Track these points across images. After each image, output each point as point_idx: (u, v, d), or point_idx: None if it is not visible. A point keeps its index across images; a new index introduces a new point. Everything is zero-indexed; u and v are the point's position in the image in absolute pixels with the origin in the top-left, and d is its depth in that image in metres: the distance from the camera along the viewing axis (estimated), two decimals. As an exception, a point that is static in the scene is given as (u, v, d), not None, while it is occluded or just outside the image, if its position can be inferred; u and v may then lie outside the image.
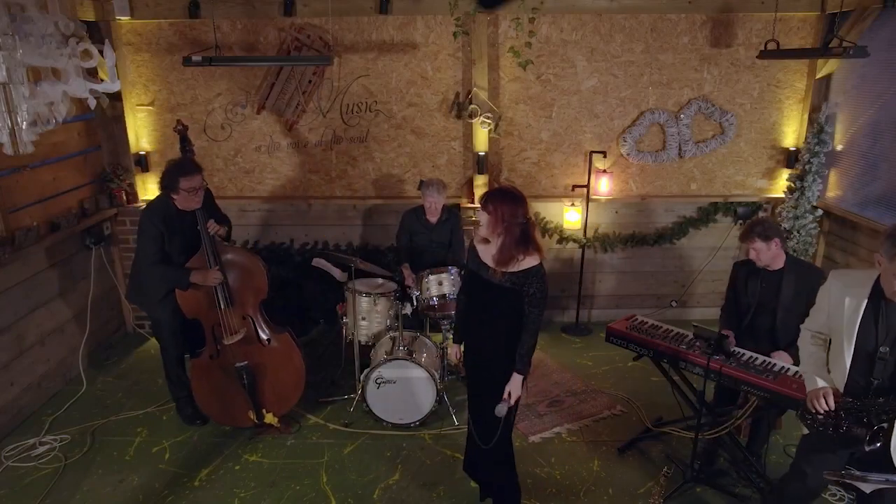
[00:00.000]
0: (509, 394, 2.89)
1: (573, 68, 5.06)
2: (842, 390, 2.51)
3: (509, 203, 2.79)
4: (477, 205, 5.24)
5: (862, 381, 2.46)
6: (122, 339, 5.43)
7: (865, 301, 2.41)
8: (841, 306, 2.48)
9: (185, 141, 3.84)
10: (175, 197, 3.71)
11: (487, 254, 2.90)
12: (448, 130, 5.22)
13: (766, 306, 3.49)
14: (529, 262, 2.81)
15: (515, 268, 2.80)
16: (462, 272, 4.38)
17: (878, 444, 2.39)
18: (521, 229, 2.80)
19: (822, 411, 2.48)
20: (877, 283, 2.41)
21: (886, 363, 2.40)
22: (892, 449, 2.43)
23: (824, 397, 2.46)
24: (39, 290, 4.40)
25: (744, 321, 3.56)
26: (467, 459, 3.39)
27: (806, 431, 2.66)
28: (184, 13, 4.78)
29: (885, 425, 2.38)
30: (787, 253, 3.48)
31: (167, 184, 3.69)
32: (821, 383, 2.53)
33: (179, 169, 3.68)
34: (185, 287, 3.75)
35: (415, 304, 4.27)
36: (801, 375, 2.91)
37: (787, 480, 2.86)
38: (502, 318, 2.90)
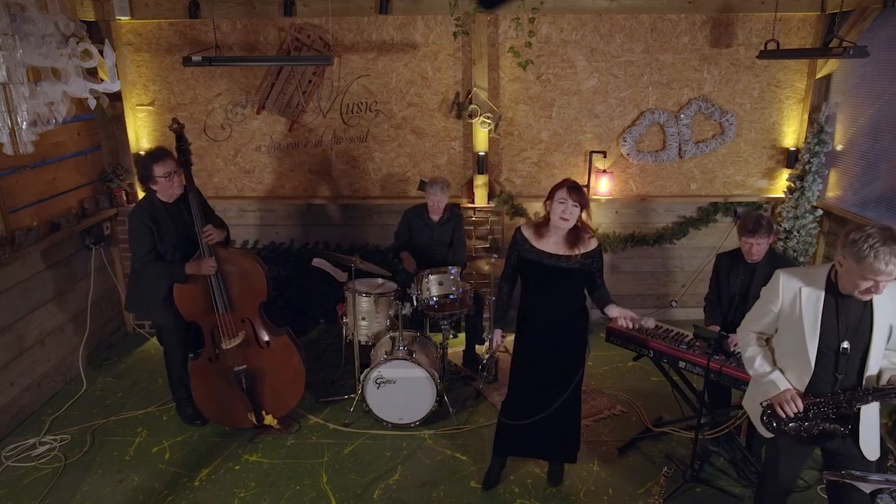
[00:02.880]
0: (628, 318, 3.18)
1: (573, 68, 5.06)
2: (802, 389, 2.50)
3: (584, 192, 3.12)
4: (477, 205, 5.25)
5: (828, 377, 2.46)
6: (122, 339, 5.43)
7: (823, 298, 2.42)
8: (796, 304, 2.46)
9: (181, 140, 3.76)
10: (155, 188, 3.69)
11: (549, 243, 3.15)
12: (448, 130, 5.22)
13: (746, 297, 3.55)
14: (593, 242, 3.17)
15: (584, 248, 3.13)
16: (462, 271, 4.40)
17: (847, 436, 2.45)
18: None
19: (791, 415, 2.47)
20: (829, 278, 2.42)
21: (850, 358, 2.42)
22: (860, 442, 2.47)
23: (793, 400, 2.47)
24: (39, 291, 4.40)
25: (728, 314, 3.60)
26: (522, 445, 3.48)
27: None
28: (184, 13, 4.77)
29: (853, 417, 2.42)
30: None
31: (143, 175, 3.68)
32: (783, 385, 2.51)
33: (150, 157, 3.67)
34: (182, 280, 3.72)
35: (415, 304, 4.27)
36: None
37: (762, 480, 2.87)
38: (572, 297, 3.20)
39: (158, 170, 3.63)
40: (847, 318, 2.40)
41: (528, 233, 3.19)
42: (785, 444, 2.62)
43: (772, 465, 2.72)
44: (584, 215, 3.10)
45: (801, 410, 2.47)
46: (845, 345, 2.40)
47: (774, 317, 2.57)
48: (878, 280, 2.23)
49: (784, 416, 2.49)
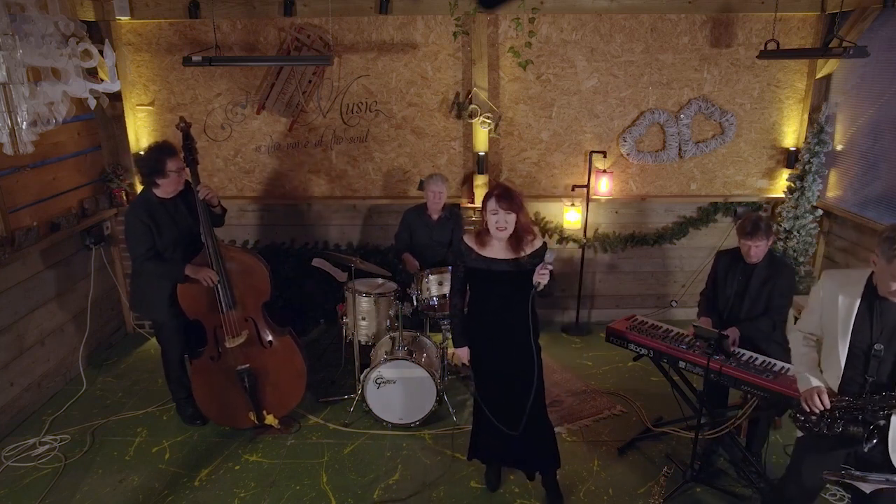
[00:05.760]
0: (540, 270, 2.94)
1: (573, 68, 5.06)
2: (836, 389, 2.51)
3: (518, 195, 3.05)
4: (477, 205, 5.24)
5: (858, 378, 2.46)
6: (122, 339, 5.43)
7: (859, 299, 2.42)
8: (834, 305, 2.48)
9: (187, 138, 3.77)
10: (162, 182, 3.66)
11: (494, 249, 3.08)
12: (448, 130, 5.22)
13: (743, 297, 3.55)
14: (538, 241, 3.11)
15: (530, 249, 3.06)
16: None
17: (875, 441, 2.40)
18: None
19: (816, 411, 2.48)
20: (869, 281, 2.42)
21: (882, 360, 2.41)
22: (890, 449, 2.43)
23: (818, 396, 2.47)
24: (39, 290, 4.40)
25: (724, 313, 3.58)
26: (499, 455, 3.44)
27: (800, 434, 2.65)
28: (184, 13, 4.77)
29: (882, 422, 2.39)
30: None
31: (154, 169, 3.63)
32: (814, 382, 2.52)
33: (162, 151, 3.64)
34: (181, 280, 3.71)
35: (415, 304, 4.27)
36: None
37: (785, 481, 2.86)
38: (522, 300, 3.07)
39: (172, 164, 3.63)
40: (882, 321, 2.38)
41: (471, 242, 3.13)
42: (812, 445, 2.61)
43: (796, 466, 2.71)
44: (522, 217, 3.03)
45: (827, 408, 2.46)
46: (878, 347, 2.39)
47: (818, 317, 2.60)
48: None
49: (808, 411, 2.50)
